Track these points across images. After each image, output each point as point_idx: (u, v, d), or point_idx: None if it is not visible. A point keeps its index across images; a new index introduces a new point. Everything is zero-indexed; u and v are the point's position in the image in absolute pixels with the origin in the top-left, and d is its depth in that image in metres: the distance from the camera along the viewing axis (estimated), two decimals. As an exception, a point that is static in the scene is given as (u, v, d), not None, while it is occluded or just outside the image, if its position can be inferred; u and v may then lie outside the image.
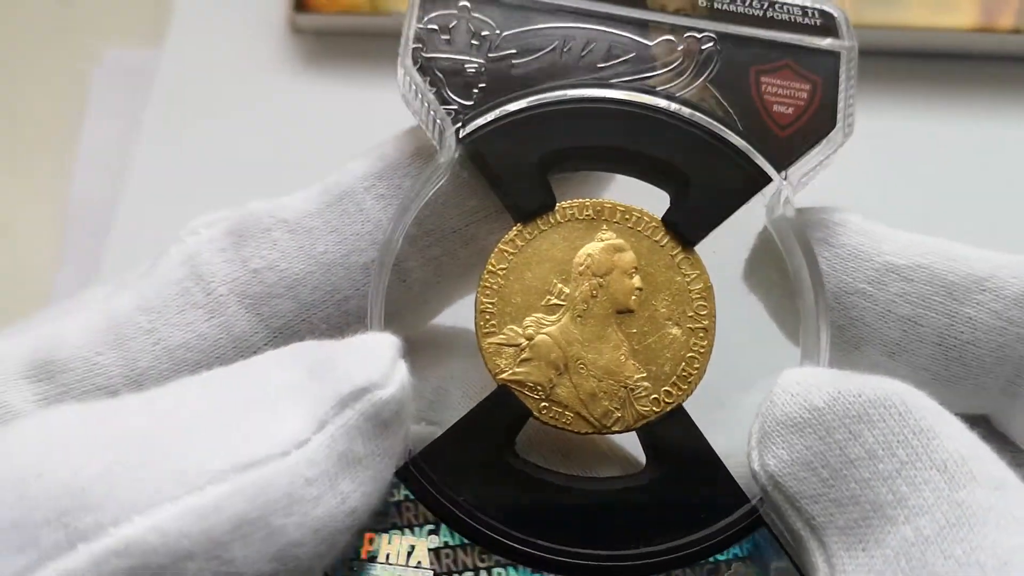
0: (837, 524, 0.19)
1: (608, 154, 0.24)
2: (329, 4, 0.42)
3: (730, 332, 0.24)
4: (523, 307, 0.23)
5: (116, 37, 0.45)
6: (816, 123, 0.24)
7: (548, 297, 0.23)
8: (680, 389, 0.22)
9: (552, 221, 0.23)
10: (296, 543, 0.17)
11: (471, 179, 0.23)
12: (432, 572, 0.21)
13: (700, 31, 0.24)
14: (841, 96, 0.24)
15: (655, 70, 0.24)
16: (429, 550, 0.21)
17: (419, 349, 0.22)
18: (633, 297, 0.23)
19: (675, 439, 0.22)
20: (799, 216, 0.23)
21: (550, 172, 0.23)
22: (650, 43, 0.24)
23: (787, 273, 0.23)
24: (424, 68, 0.23)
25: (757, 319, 0.26)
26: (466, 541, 0.21)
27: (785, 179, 0.23)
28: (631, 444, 0.24)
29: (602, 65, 0.24)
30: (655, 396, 0.22)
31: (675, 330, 0.23)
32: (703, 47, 0.24)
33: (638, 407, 0.22)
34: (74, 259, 0.41)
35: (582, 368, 0.22)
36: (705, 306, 0.23)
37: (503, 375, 0.22)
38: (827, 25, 0.24)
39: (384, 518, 0.21)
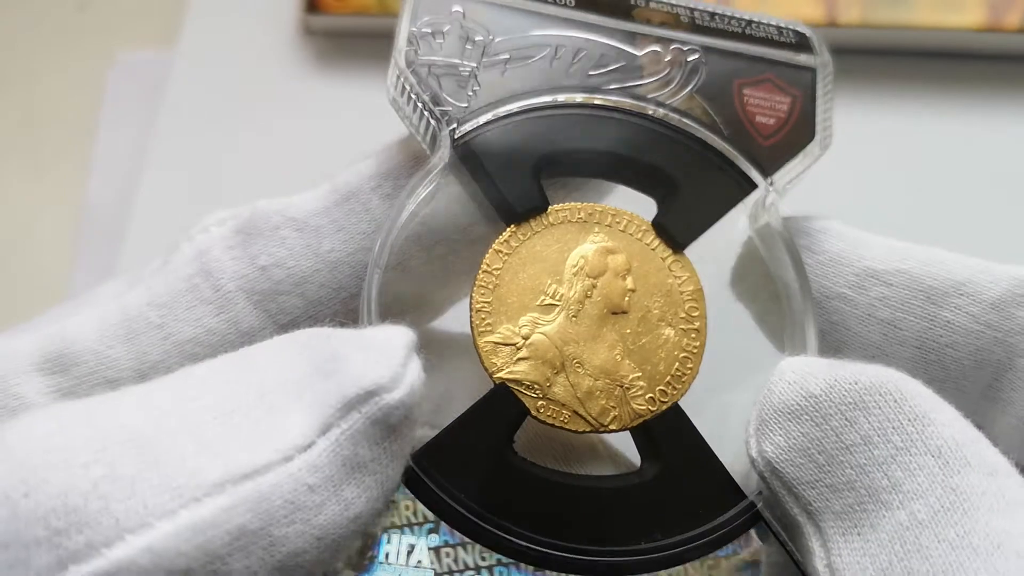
0: (833, 509, 0.19)
1: (599, 158, 0.24)
2: (340, 5, 0.43)
3: (721, 333, 0.24)
4: (518, 307, 0.23)
5: (130, 40, 0.46)
6: (796, 135, 0.25)
7: (543, 297, 0.23)
8: (675, 388, 0.23)
9: (545, 223, 0.23)
10: (298, 552, 0.17)
11: (466, 181, 0.24)
12: (432, 571, 0.21)
13: (685, 43, 0.25)
14: (818, 110, 0.25)
15: (643, 79, 0.24)
16: (429, 549, 0.21)
17: (426, 351, 0.22)
18: (626, 298, 0.23)
19: (672, 437, 0.22)
20: (783, 222, 0.24)
21: (542, 176, 0.24)
22: (638, 53, 0.25)
23: (771, 281, 0.24)
24: (418, 70, 0.24)
25: (746, 321, 0.26)
26: (467, 540, 0.21)
27: (771, 185, 0.24)
28: (624, 445, 0.24)
29: (593, 73, 0.24)
30: (650, 395, 0.23)
31: (668, 331, 0.23)
32: (689, 58, 0.25)
33: (634, 406, 0.22)
34: (90, 260, 0.41)
35: (578, 367, 0.23)
36: (696, 307, 0.23)
37: (500, 373, 0.22)
38: (801, 43, 0.25)
39: (384, 517, 0.21)
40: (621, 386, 0.23)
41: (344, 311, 0.23)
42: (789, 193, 0.25)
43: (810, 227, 0.24)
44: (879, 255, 0.24)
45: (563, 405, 0.22)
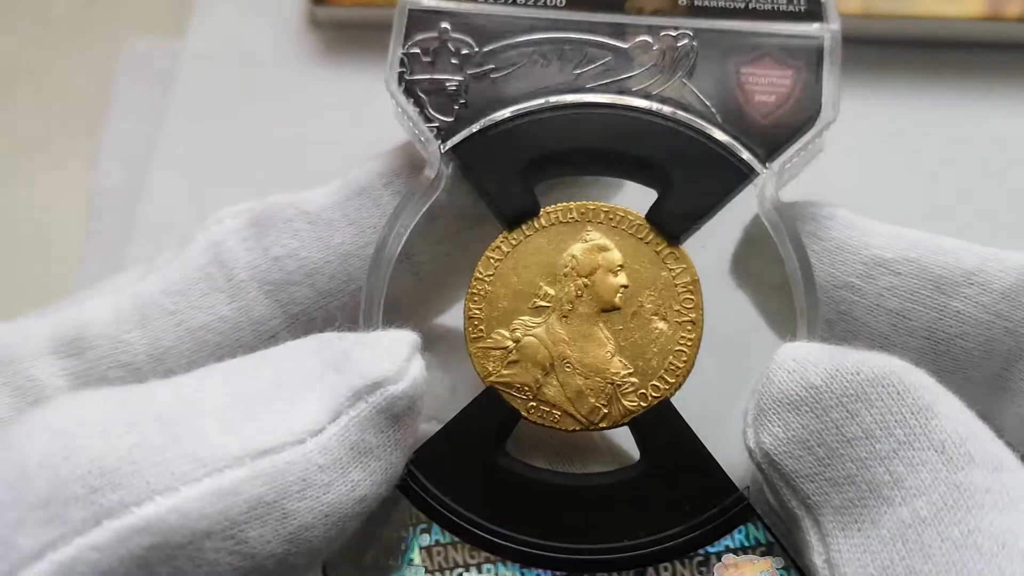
0: (833, 503, 0.19)
1: (588, 157, 0.24)
2: (346, -4, 0.43)
3: (721, 325, 0.24)
4: (510, 311, 0.23)
5: (140, 30, 0.46)
6: (799, 109, 0.23)
7: (534, 300, 0.23)
8: (667, 383, 0.22)
9: (537, 226, 0.23)
10: (308, 526, 0.18)
11: (465, 190, 0.24)
12: (423, 569, 0.22)
13: (676, 29, 0.24)
14: (825, 79, 0.24)
15: (632, 71, 0.24)
16: (421, 548, 0.22)
17: (435, 347, 0.23)
18: (619, 295, 0.23)
19: (662, 433, 0.22)
20: (785, 207, 0.23)
21: (536, 179, 0.24)
22: (626, 45, 0.24)
23: (775, 265, 0.23)
24: (408, 90, 0.24)
25: (748, 311, 0.26)
26: (456, 539, 0.22)
27: (768, 169, 0.23)
28: (628, 441, 0.24)
29: (578, 71, 0.24)
30: (642, 391, 0.22)
31: (661, 324, 0.23)
32: (679, 44, 0.24)
33: (625, 403, 0.22)
34: (99, 246, 0.42)
35: (568, 367, 0.23)
36: (692, 299, 0.23)
37: (491, 378, 0.23)
38: (812, 10, 0.24)
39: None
40: (612, 383, 0.22)
41: (353, 303, 0.24)
42: (805, 172, 0.24)
43: (817, 213, 0.24)
44: (887, 243, 0.23)
45: (554, 405, 0.22)
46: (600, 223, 0.23)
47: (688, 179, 0.23)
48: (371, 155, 0.25)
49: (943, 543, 0.17)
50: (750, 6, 0.24)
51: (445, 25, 0.24)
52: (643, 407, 0.22)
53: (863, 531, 0.19)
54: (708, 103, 0.24)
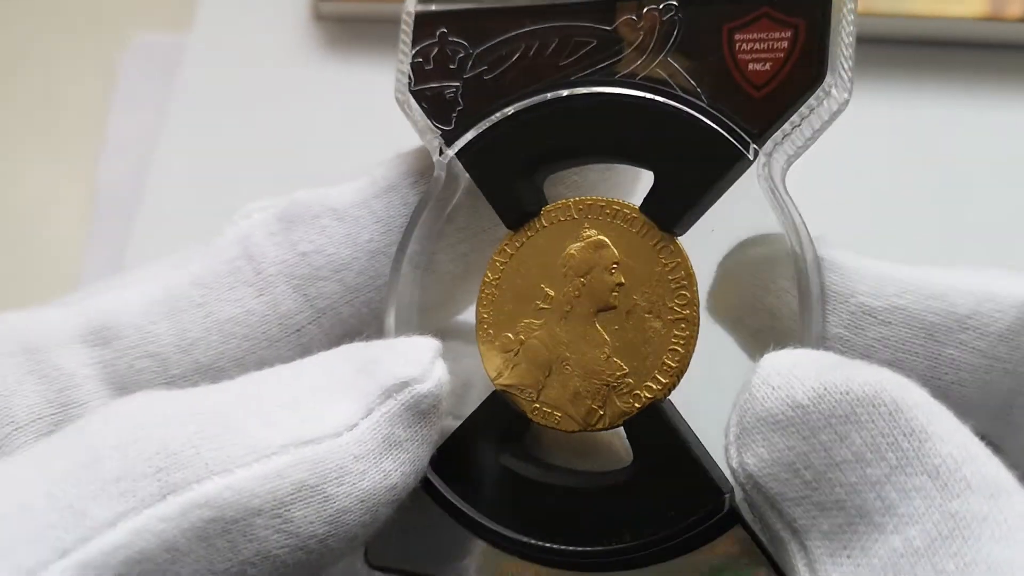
0: (821, 528, 0.18)
1: (580, 151, 0.23)
2: (351, -9, 0.43)
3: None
4: (515, 314, 0.23)
5: (145, 24, 0.46)
6: (798, 74, 0.20)
7: (536, 302, 0.23)
8: (660, 383, 0.22)
9: (538, 226, 0.23)
10: (345, 510, 0.19)
11: (466, 196, 0.24)
12: None
13: (661, 1, 0.22)
14: (833, 38, 0.20)
15: (620, 53, 0.22)
16: None
17: (448, 343, 0.23)
18: (614, 293, 0.22)
19: (651, 435, 0.21)
20: (783, 188, 0.21)
21: (538, 176, 0.23)
22: (610, 27, 0.23)
23: (754, 312, 0.22)
24: (415, 99, 0.24)
25: None
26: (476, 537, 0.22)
27: (762, 147, 0.21)
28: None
29: (565, 62, 0.23)
30: (636, 392, 0.22)
31: (656, 323, 0.22)
32: (664, 17, 0.22)
33: (620, 404, 0.22)
34: (102, 240, 0.42)
35: (567, 368, 0.22)
36: (686, 295, 0.22)
37: (499, 380, 0.23)
38: None
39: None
40: (607, 385, 0.22)
41: (379, 298, 0.24)
42: (802, 154, 0.22)
43: None
44: (874, 289, 0.22)
45: (555, 407, 0.22)
46: (598, 219, 0.23)
47: (675, 167, 0.22)
48: (397, 152, 0.25)
49: None
50: None
51: (443, 30, 0.24)
52: (636, 408, 0.22)
53: (853, 558, 0.18)
54: (693, 81, 0.22)
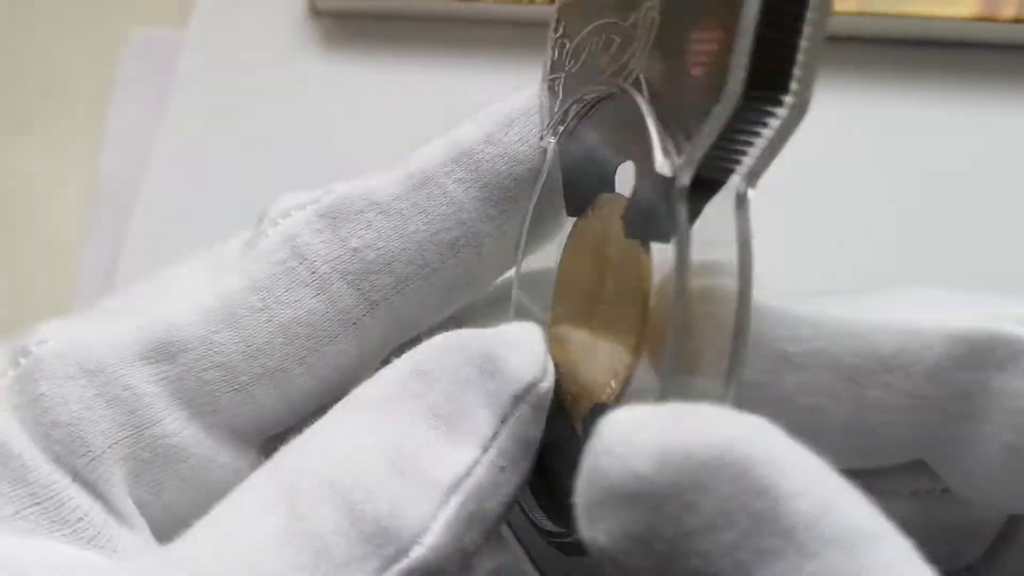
0: None
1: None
2: (347, -14, 0.43)
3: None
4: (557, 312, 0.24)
5: (144, 18, 0.46)
6: (711, 85, 0.17)
7: (547, 312, 0.23)
8: (606, 397, 0.21)
9: (579, 227, 0.23)
10: (498, 518, 0.20)
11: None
12: None
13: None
14: (740, 35, 0.16)
15: (629, 49, 0.21)
16: None
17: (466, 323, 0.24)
18: (596, 306, 0.22)
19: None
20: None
21: (607, 166, 0.22)
22: (625, 23, 0.21)
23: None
24: (547, 88, 0.24)
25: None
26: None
27: (677, 169, 0.18)
28: None
29: (602, 57, 0.22)
30: (589, 407, 0.21)
31: (608, 336, 0.21)
32: (649, 16, 0.20)
33: (578, 414, 0.22)
34: (100, 234, 0.42)
35: (557, 370, 0.22)
36: (636, 311, 0.20)
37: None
38: None
39: None
40: (570, 395, 0.22)
41: (426, 284, 0.25)
42: (762, 175, 0.18)
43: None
44: (792, 334, 0.21)
45: (556, 408, 0.22)
46: (596, 219, 0.23)
47: (637, 186, 0.20)
48: (430, 142, 0.25)
49: None
50: None
51: (563, 22, 0.24)
52: (588, 423, 0.21)
53: None
54: (648, 89, 0.19)
